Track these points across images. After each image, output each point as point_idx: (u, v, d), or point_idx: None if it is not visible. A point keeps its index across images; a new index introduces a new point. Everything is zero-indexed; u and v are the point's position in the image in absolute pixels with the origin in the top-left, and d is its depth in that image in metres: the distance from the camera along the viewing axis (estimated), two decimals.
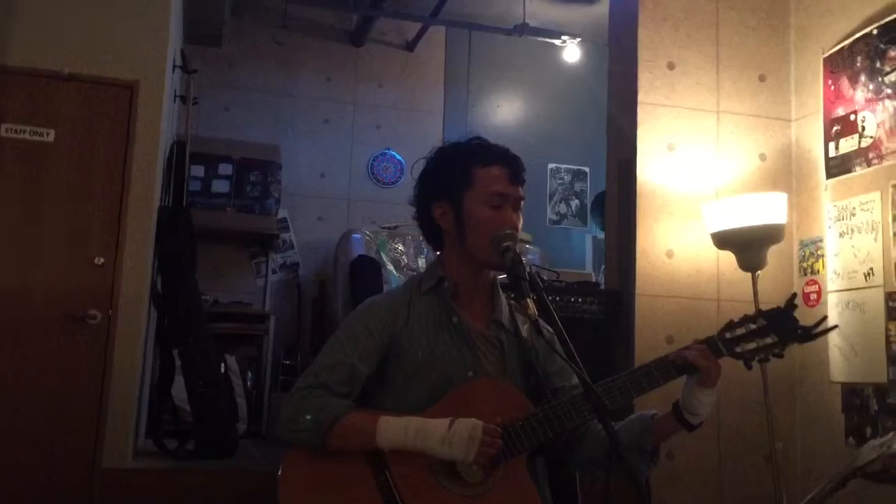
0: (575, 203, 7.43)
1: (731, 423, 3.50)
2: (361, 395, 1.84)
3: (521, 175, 1.93)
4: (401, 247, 6.17)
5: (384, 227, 6.25)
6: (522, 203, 1.93)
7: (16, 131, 3.94)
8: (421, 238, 6.63)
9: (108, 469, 3.77)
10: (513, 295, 1.88)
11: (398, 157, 7.03)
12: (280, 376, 6.15)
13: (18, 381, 3.74)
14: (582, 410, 1.74)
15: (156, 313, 4.47)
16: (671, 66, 3.68)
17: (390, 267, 6.04)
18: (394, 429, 1.70)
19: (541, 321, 1.74)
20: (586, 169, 7.41)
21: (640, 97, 3.60)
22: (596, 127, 6.81)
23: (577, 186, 7.45)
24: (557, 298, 3.47)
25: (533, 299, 1.72)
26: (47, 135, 3.97)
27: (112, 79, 4.07)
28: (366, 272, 5.80)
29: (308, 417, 1.73)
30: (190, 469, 4.04)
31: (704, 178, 3.61)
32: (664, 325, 3.40)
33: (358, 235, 6.11)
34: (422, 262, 6.15)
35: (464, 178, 1.88)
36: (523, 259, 1.83)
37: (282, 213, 6.46)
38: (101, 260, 3.94)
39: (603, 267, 4.02)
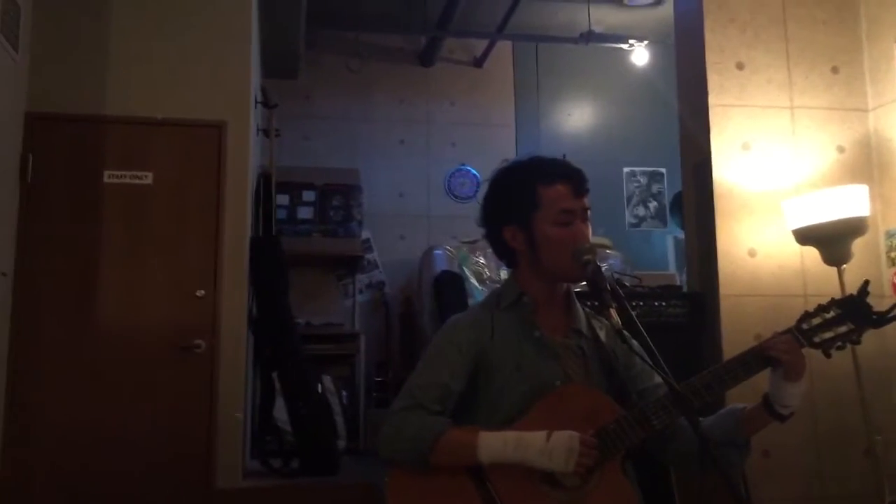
0: (653, 205, 7.41)
1: (827, 419, 3.46)
2: (454, 411, 1.90)
3: (585, 186, 1.94)
4: (482, 260, 6.27)
5: (464, 242, 6.36)
6: (589, 213, 1.95)
7: (117, 176, 4.21)
8: None
9: (222, 490, 3.98)
10: (594, 304, 1.93)
11: (473, 171, 7.15)
12: (373, 393, 6.32)
13: (135, 408, 4.00)
14: (670, 410, 1.77)
15: (253, 339, 4.67)
16: (740, 66, 3.69)
17: (473, 280, 6.14)
18: (494, 443, 1.76)
19: (624, 331, 1.76)
20: (662, 170, 7.39)
21: (711, 100, 3.62)
22: (669, 127, 6.76)
23: (655, 188, 7.44)
24: (641, 303, 3.49)
25: (615, 308, 1.76)
26: (145, 177, 4.23)
27: (201, 120, 4.32)
28: (450, 286, 5.91)
29: (409, 437, 1.80)
30: (297, 486, 4.23)
31: (782, 175, 3.60)
32: (751, 324, 3.39)
33: (440, 251, 6.23)
34: (504, 274, 6.23)
35: (529, 200, 1.91)
36: (603, 267, 1.88)
37: (365, 234, 6.64)
38: (202, 292, 4.17)
39: (685, 268, 4.04)
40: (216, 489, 3.98)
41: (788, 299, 3.45)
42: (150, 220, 4.19)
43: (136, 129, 4.26)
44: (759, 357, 1.78)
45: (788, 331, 1.80)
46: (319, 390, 4.75)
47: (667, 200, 7.32)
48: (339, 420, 5.33)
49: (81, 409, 3.94)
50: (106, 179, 4.18)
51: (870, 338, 1.85)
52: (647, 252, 7.17)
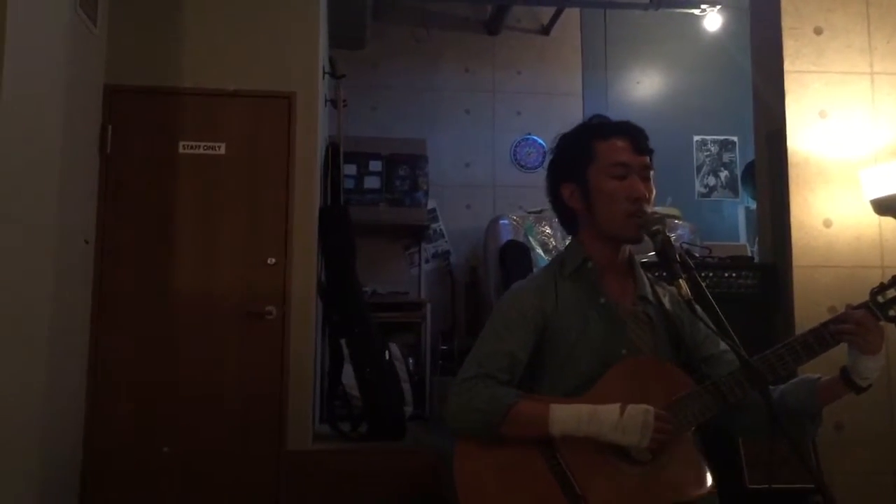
0: (724, 174, 7.25)
1: None
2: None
3: (645, 144, 1.90)
4: (548, 230, 6.25)
5: (530, 212, 6.35)
6: (652, 173, 1.91)
7: (192, 147, 4.31)
8: None
9: (292, 451, 4.10)
10: (663, 275, 1.90)
11: (540, 141, 7.09)
12: (439, 361, 6.38)
13: (210, 373, 4.13)
14: (743, 384, 1.74)
15: (322, 306, 4.76)
16: (818, 31, 3.57)
17: (539, 250, 6.13)
18: (566, 416, 1.74)
19: (695, 303, 1.74)
20: (734, 138, 7.22)
21: (787, 66, 3.52)
22: (741, 95, 6.58)
23: (726, 157, 7.27)
24: (710, 274, 3.45)
25: (685, 279, 1.74)
26: (219, 148, 4.32)
27: (272, 91, 4.39)
28: (515, 256, 5.91)
29: (479, 408, 1.78)
30: (365, 450, 4.32)
31: (861, 144, 3.49)
32: (825, 295, 3.32)
33: (506, 221, 6.22)
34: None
35: (585, 154, 1.90)
36: (672, 238, 1.86)
37: (431, 204, 6.67)
38: (273, 260, 4.26)
39: (757, 238, 3.95)
40: (286, 451, 4.10)
41: (865, 271, 3.36)
42: (223, 190, 4.29)
43: (210, 101, 4.34)
44: (834, 332, 1.74)
45: (864, 304, 1.76)
46: (387, 357, 4.82)
47: (738, 170, 7.15)
48: (406, 387, 5.41)
49: (158, 371, 4.10)
50: (181, 150, 4.29)
51: None
52: (717, 222, 7.03)
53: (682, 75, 7.28)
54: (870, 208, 3.28)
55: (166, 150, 4.27)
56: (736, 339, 1.68)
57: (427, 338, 6.30)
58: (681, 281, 1.75)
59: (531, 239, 6.16)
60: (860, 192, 3.33)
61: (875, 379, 1.75)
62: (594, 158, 1.89)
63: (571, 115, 7.05)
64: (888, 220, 3.28)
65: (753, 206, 7.24)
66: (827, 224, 3.44)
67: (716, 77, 7.01)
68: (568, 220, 2.01)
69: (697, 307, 1.75)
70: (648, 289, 1.98)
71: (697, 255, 3.88)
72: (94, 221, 4.12)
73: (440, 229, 6.91)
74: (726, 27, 6.82)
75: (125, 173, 4.21)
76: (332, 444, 4.40)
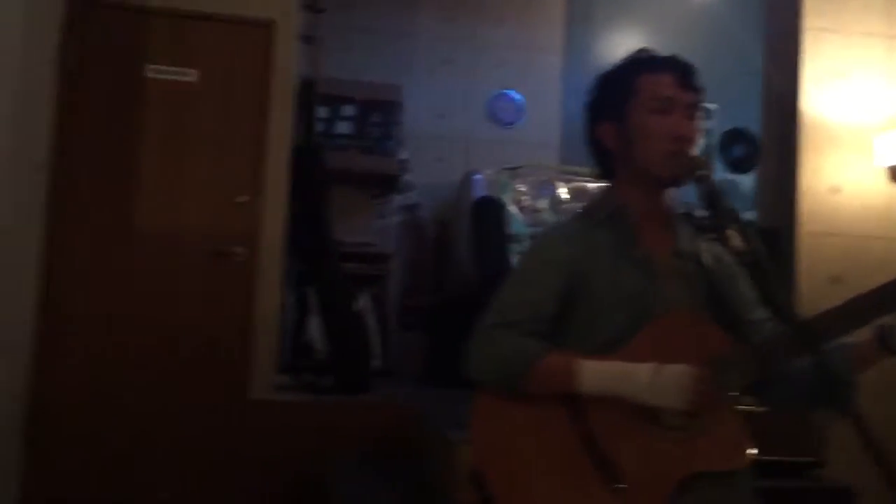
0: (700, 142, 7.16)
1: None
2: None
3: (694, 80, 1.74)
4: (523, 187, 6.09)
5: (506, 168, 6.18)
6: (699, 112, 1.76)
7: (160, 71, 4.02)
8: (543, 179, 6.50)
9: (256, 400, 3.90)
10: (706, 224, 1.75)
11: (518, 96, 6.89)
12: (402, 315, 6.21)
13: (173, 315, 3.90)
14: (792, 349, 1.59)
15: (290, 251, 4.54)
16: None
17: (513, 208, 5.98)
18: (595, 373, 1.60)
19: (745, 257, 1.58)
20: (713, 106, 7.10)
21: (806, 23, 3.37)
22: (725, 61, 6.51)
23: (703, 125, 7.17)
24: (713, 233, 3.32)
25: (736, 229, 1.58)
26: (190, 74, 4.04)
27: (249, 18, 4.12)
28: (489, 212, 5.77)
29: (503, 359, 1.65)
30: (329, 402, 4.14)
31: (876, 109, 3.38)
32: (829, 263, 3.22)
33: (480, 176, 6.05)
34: (543, 203, 6.07)
35: (627, 89, 1.74)
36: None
37: (402, 155, 6.44)
38: (244, 198, 4.01)
39: (758, 203, 3.80)
40: (250, 400, 3.90)
41: (872, 241, 3.28)
42: (193, 120, 4.03)
43: (182, 23, 4.05)
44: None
45: None
46: (356, 308, 4.63)
47: (715, 139, 7.06)
48: (376, 339, 5.24)
49: (116, 307, 3.85)
50: (148, 74, 3.99)
51: None
52: (691, 189, 6.94)
53: (667, 38, 7.05)
54: (880, 176, 3.18)
55: (132, 72, 3.97)
56: (788, 300, 1.54)
57: (392, 291, 6.13)
58: (730, 231, 1.59)
59: (505, 196, 6.00)
60: (871, 159, 3.23)
61: None
62: (636, 93, 1.72)
63: (551, 71, 6.87)
64: None
65: (729, 175, 7.21)
66: (835, 190, 3.34)
67: (701, 42, 6.84)
68: (604, 164, 1.84)
69: (749, 262, 1.59)
70: (688, 243, 1.81)
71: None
72: (48, 143, 3.80)
73: (410, 181, 6.69)
74: None
75: (85, 96, 3.91)
76: (295, 396, 4.20)
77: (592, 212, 1.83)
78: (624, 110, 1.74)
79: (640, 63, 1.77)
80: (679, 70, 1.73)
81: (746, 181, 6.94)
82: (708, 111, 7.09)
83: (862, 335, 1.63)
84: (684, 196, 1.90)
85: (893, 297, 1.59)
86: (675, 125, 1.70)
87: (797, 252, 3.28)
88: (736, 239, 1.60)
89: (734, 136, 7.00)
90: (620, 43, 7.13)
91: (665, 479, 1.59)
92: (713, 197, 1.66)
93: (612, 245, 1.75)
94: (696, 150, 1.75)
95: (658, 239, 1.79)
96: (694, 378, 1.56)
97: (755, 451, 1.64)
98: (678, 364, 1.57)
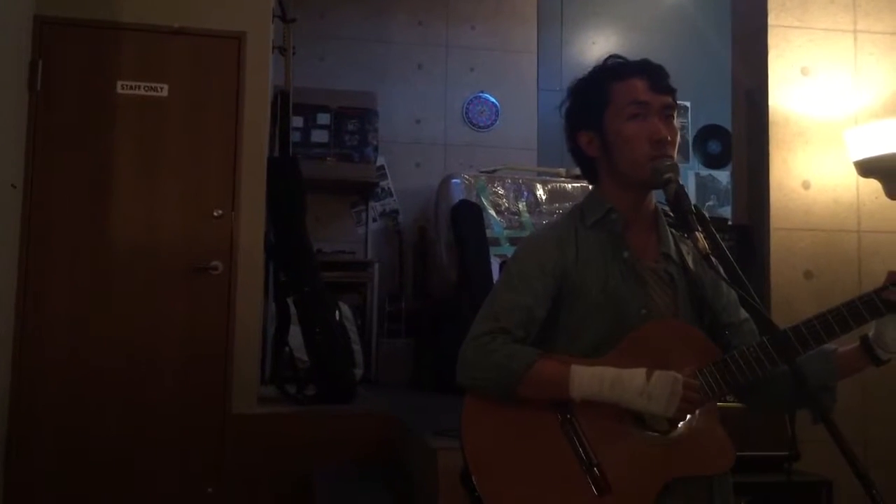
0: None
1: None
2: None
3: (666, 83, 1.75)
4: (500, 190, 6.11)
5: (483, 172, 6.19)
6: (675, 113, 1.77)
7: (131, 87, 3.99)
8: (520, 181, 6.49)
9: (238, 415, 3.87)
10: (677, 226, 1.79)
11: (493, 99, 6.91)
12: (385, 323, 6.21)
13: (152, 332, 3.86)
14: (773, 357, 1.61)
15: (268, 263, 4.52)
16: None
17: (491, 211, 5.99)
18: (588, 379, 1.61)
19: (713, 259, 1.61)
20: (687, 103, 7.15)
21: (771, 20, 3.40)
22: (696, 59, 6.55)
23: (677, 122, 7.20)
24: (685, 235, 3.34)
25: (701, 233, 1.61)
26: (161, 89, 4.01)
27: (220, 31, 4.09)
28: (467, 216, 5.76)
29: (496, 366, 1.65)
30: (313, 413, 4.12)
31: (843, 104, 3.41)
32: (802, 259, 3.24)
33: (457, 180, 6.05)
34: (522, 206, 6.08)
35: (601, 99, 1.75)
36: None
37: (380, 161, 6.45)
38: (220, 212, 3.99)
39: (709, 203, 3.84)
40: (232, 414, 3.87)
41: (842, 235, 3.30)
42: (166, 134, 3.98)
43: (152, 38, 4.02)
44: (878, 302, 1.59)
45: None
46: (338, 318, 4.61)
47: (690, 135, 7.11)
48: (357, 348, 5.22)
49: (93, 327, 3.80)
50: (119, 90, 3.96)
51: None
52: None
53: (639, 37, 7.15)
54: (848, 170, 3.21)
55: (103, 89, 3.92)
56: (760, 304, 1.56)
57: (374, 299, 6.12)
58: (697, 234, 1.62)
59: (483, 199, 6.02)
60: (840, 154, 3.26)
61: None
62: (610, 101, 1.74)
63: (525, 73, 6.90)
64: (865, 182, 3.22)
65: (704, 172, 7.26)
66: (805, 185, 3.36)
67: (672, 40, 6.91)
68: (588, 170, 1.87)
69: (716, 264, 1.62)
70: (672, 246, 1.83)
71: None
72: (22, 164, 3.77)
73: (388, 187, 6.69)
74: None
75: (57, 114, 3.87)
76: (279, 408, 4.18)
77: (581, 215, 1.83)
78: (601, 119, 1.76)
79: (612, 71, 1.78)
80: (650, 74, 1.75)
81: (723, 176, 7.00)
82: (682, 109, 7.15)
83: (845, 342, 1.66)
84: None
85: (871, 308, 1.61)
86: (653, 128, 1.72)
87: (769, 247, 3.30)
88: (703, 242, 1.62)
89: (709, 133, 7.06)
90: (594, 42, 7.17)
91: (651, 482, 1.61)
92: (680, 200, 1.68)
93: (602, 248, 1.77)
94: (674, 151, 1.77)
95: (644, 242, 1.81)
96: (684, 385, 1.58)
97: (736, 453, 1.66)
98: (668, 371, 1.58)
